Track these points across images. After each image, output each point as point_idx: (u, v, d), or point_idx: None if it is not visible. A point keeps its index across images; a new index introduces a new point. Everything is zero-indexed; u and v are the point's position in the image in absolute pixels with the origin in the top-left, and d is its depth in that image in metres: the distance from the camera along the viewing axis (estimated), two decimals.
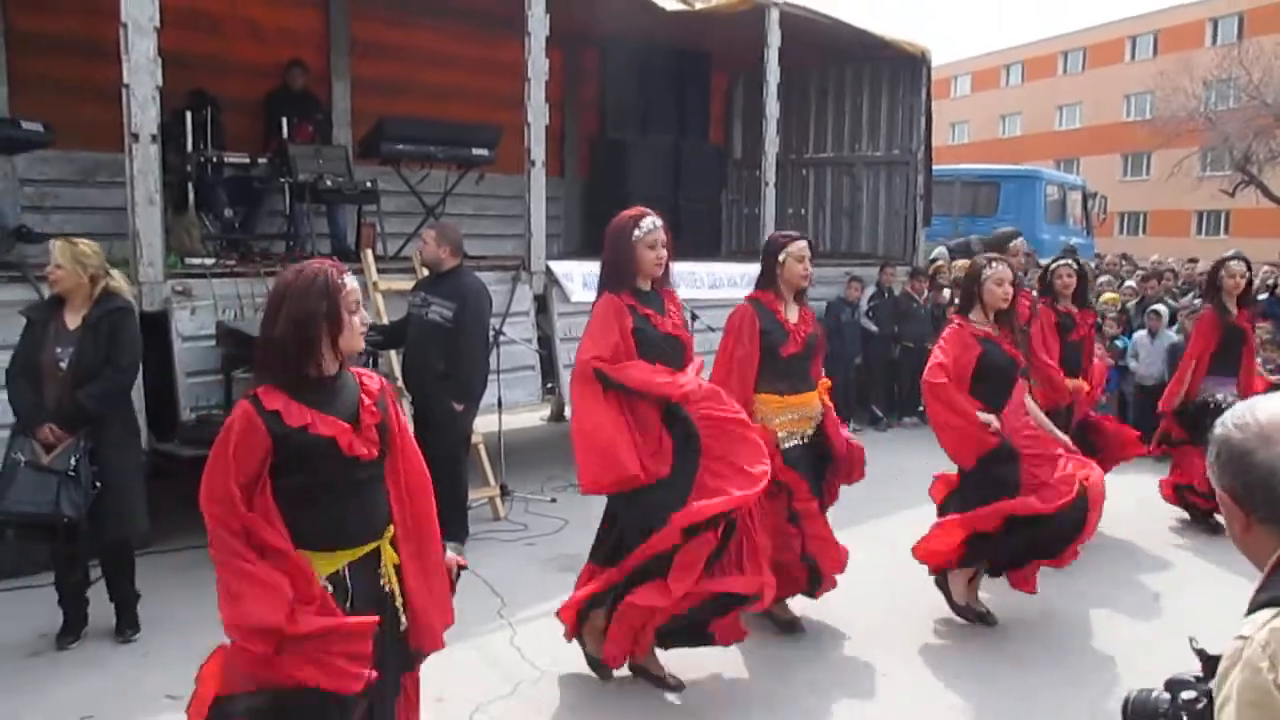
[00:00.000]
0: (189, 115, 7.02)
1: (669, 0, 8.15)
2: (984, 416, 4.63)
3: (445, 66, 9.75)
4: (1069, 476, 4.55)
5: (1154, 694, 1.65)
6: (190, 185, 7.02)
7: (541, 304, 7.69)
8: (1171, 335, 8.96)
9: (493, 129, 8.53)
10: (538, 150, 7.43)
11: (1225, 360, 6.50)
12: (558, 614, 4.15)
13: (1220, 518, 5.36)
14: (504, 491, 6.96)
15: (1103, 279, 10.44)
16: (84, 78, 7.09)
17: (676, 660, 4.21)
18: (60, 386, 4.33)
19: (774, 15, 9.16)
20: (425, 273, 6.36)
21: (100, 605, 4.69)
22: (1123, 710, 1.68)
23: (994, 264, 4.90)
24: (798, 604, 4.92)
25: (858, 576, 4.97)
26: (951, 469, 5.02)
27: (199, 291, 5.99)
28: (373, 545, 2.72)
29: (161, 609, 4.85)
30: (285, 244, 7.66)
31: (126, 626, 4.66)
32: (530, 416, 9.93)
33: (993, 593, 5.18)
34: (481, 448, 6.82)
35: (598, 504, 4.20)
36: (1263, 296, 9.17)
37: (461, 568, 2.99)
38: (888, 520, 6.41)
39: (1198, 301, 8.24)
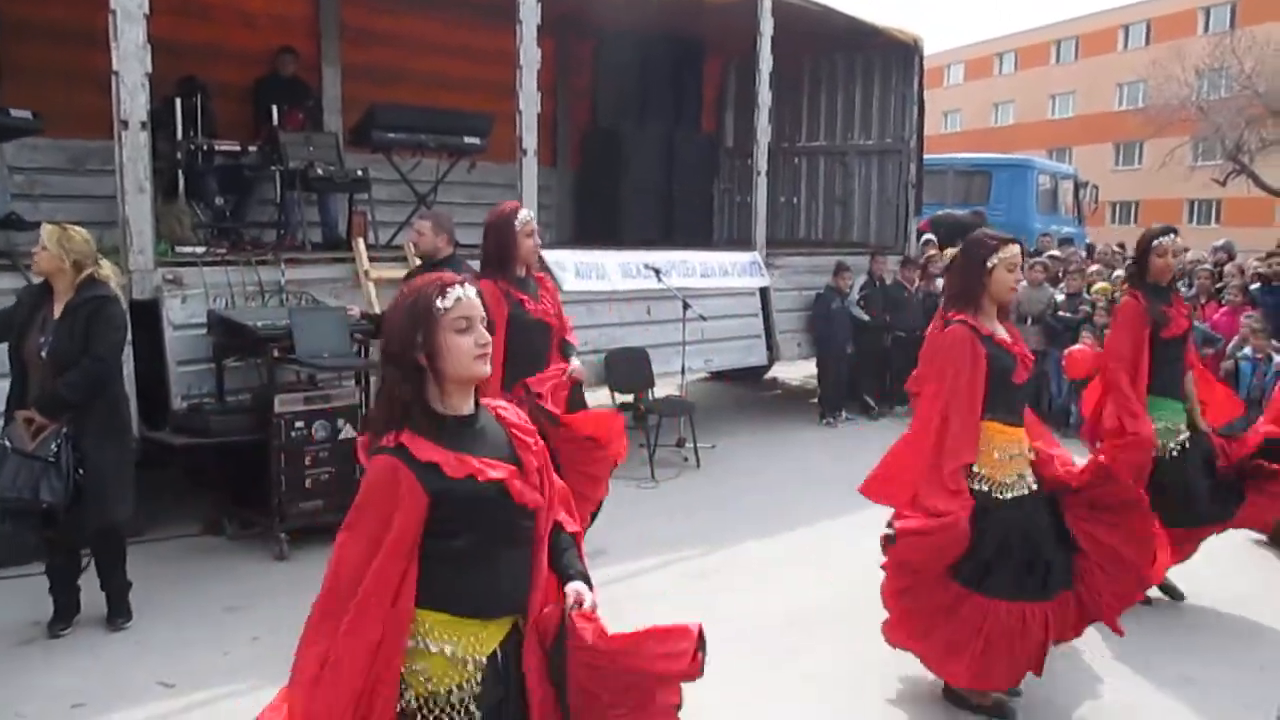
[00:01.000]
0: (179, 102, 7.00)
1: None
2: None
3: (437, 54, 9.72)
4: None
5: None
6: (180, 173, 6.99)
7: None
8: None
9: (485, 117, 8.51)
10: (530, 139, 7.42)
11: None
12: None
13: None
14: None
15: (1094, 269, 10.46)
16: (73, 65, 7.05)
17: None
18: (42, 374, 4.34)
19: (766, 3, 9.14)
20: (418, 262, 6.35)
21: (92, 593, 4.70)
22: None
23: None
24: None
25: (850, 566, 4.99)
26: None
27: (190, 280, 5.98)
28: (516, 618, 2.30)
29: (153, 597, 4.87)
30: (276, 232, 7.65)
31: (118, 615, 4.67)
32: None
33: None
34: None
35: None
36: (1254, 286, 9.19)
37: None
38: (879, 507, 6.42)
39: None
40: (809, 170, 12.22)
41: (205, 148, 7.14)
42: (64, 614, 4.60)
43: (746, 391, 11.71)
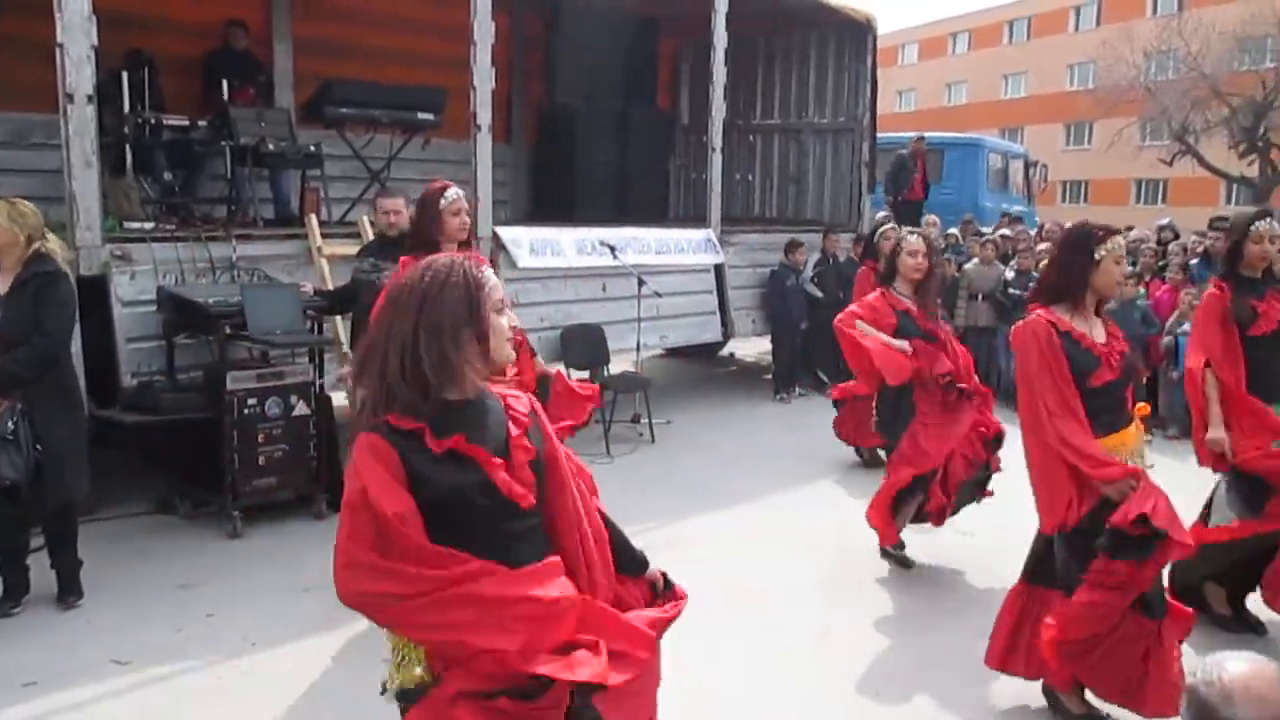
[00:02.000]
0: (125, 76, 6.89)
1: None
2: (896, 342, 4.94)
3: (390, 29, 9.61)
4: None
5: None
6: (128, 147, 6.90)
7: None
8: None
9: (438, 92, 8.46)
10: (484, 115, 7.39)
11: None
12: None
13: None
14: None
15: (1042, 247, 10.63)
16: (16, 36, 6.91)
17: None
18: None
19: None
20: (370, 237, 6.32)
21: (41, 571, 4.66)
22: None
23: (910, 236, 5.12)
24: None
25: (803, 539, 5.07)
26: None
27: (139, 256, 5.92)
28: None
29: (105, 576, 4.84)
30: (227, 208, 7.57)
31: (69, 593, 4.64)
32: None
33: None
34: None
35: None
36: (1194, 262, 9.40)
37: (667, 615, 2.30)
38: (831, 480, 6.54)
39: None
40: (764, 148, 12.29)
41: (153, 122, 7.05)
42: (13, 592, 4.56)
43: (701, 368, 11.79)
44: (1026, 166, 18.21)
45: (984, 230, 11.81)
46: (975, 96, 47.19)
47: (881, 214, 11.84)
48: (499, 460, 2.04)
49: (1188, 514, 4.18)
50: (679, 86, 12.89)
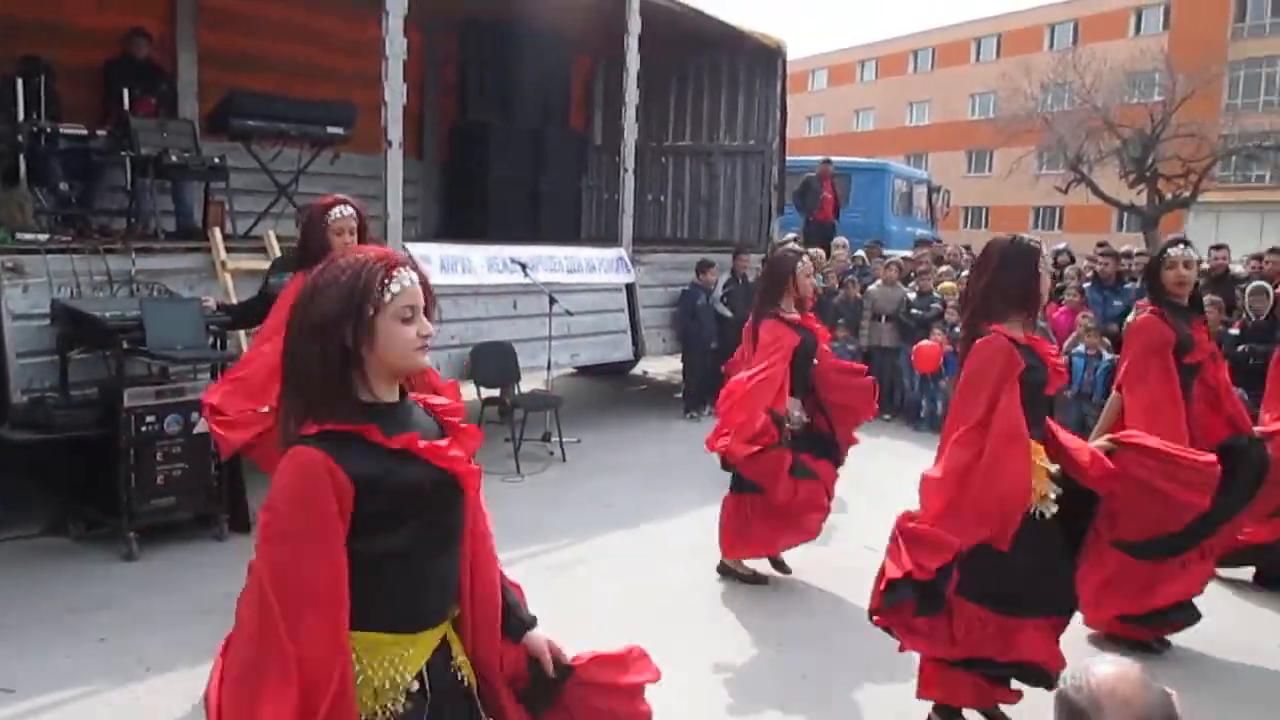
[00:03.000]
0: (20, 83, 6.67)
1: None
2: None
3: (300, 41, 9.49)
4: None
5: None
6: (22, 157, 6.66)
7: None
8: None
9: (348, 107, 8.37)
10: (395, 131, 7.33)
11: None
12: None
13: None
14: None
15: (943, 269, 10.95)
16: None
17: None
18: None
19: (635, 3, 9.24)
20: (279, 253, 6.22)
21: None
22: None
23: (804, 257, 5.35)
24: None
25: (712, 555, 5.12)
26: None
27: (32, 268, 5.71)
28: (443, 627, 2.07)
29: None
30: (127, 220, 7.36)
31: None
32: None
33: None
34: None
35: None
36: (1086, 285, 9.79)
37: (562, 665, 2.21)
38: None
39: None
40: (676, 169, 12.43)
41: (49, 131, 6.82)
42: None
43: (612, 386, 11.83)
44: (930, 192, 18.75)
45: (889, 253, 12.14)
46: (882, 123, 48.46)
47: (790, 236, 12.08)
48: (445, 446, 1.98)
49: None
50: (592, 107, 12.97)
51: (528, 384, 8.65)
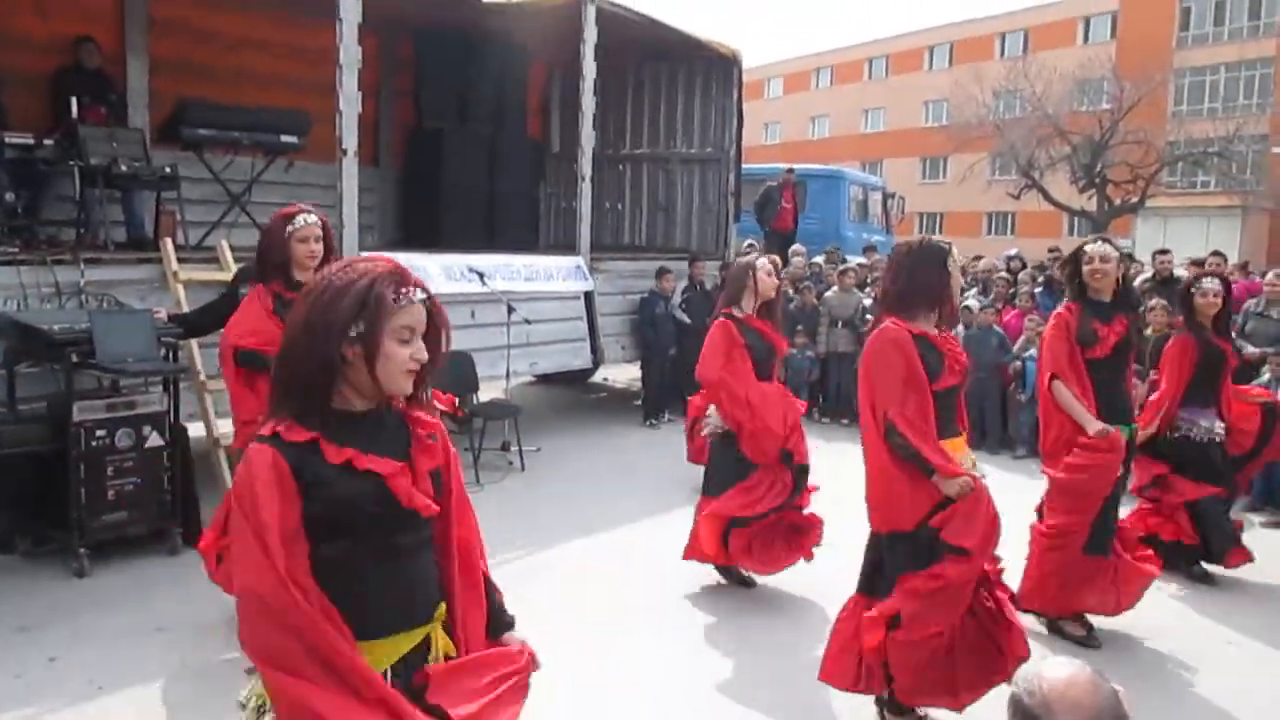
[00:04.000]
0: None
1: None
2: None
3: (253, 50, 9.40)
4: None
5: None
6: None
7: None
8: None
9: (302, 115, 8.30)
10: (350, 139, 7.27)
11: (1202, 388, 5.59)
12: None
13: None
14: None
15: None
16: None
17: None
18: None
19: (591, 11, 9.27)
20: (234, 265, 6.14)
21: None
22: None
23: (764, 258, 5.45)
24: None
25: (671, 561, 5.13)
26: None
27: None
28: (423, 631, 2.08)
29: None
30: (76, 231, 7.24)
31: None
32: None
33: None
34: None
35: None
36: (1038, 290, 9.93)
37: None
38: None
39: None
40: (633, 177, 12.46)
41: None
42: None
43: (572, 394, 11.82)
44: (885, 198, 18.93)
45: (846, 259, 12.23)
46: (837, 130, 48.89)
47: (747, 244, 12.15)
48: (399, 465, 1.98)
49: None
50: (549, 114, 12.96)
51: (486, 393, 8.62)
